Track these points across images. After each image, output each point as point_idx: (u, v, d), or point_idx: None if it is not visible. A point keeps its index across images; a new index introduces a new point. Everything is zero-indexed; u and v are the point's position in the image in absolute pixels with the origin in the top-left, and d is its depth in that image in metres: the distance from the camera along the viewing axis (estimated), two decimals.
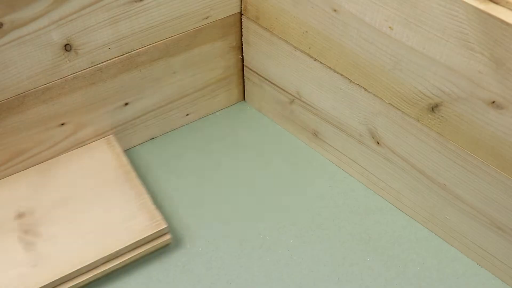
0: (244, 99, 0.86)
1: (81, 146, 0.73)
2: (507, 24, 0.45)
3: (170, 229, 0.68)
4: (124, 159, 0.72)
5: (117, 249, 0.63)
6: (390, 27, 0.55)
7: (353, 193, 0.73)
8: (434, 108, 0.57)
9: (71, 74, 0.64)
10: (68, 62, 0.63)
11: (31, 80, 0.62)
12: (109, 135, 0.74)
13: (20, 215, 0.66)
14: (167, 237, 0.66)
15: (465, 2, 0.47)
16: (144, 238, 0.64)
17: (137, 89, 0.72)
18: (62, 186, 0.69)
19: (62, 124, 0.69)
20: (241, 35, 0.76)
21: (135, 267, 0.66)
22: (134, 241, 0.64)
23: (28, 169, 0.70)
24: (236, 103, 0.85)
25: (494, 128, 0.53)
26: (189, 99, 0.78)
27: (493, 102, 0.51)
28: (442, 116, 0.57)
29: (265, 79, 0.78)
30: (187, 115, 0.80)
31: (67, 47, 0.62)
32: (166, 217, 0.69)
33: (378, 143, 0.67)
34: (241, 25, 0.74)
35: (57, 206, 0.67)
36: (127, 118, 0.74)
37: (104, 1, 0.60)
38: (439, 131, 0.58)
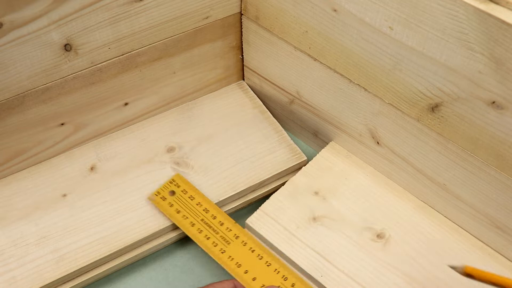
0: None
1: (215, 91, 0.79)
2: (507, 24, 0.45)
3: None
4: (258, 101, 0.78)
5: (264, 178, 0.69)
6: (390, 27, 0.55)
7: None
8: (434, 108, 0.57)
9: (71, 74, 0.64)
10: (68, 62, 0.63)
11: (31, 80, 0.62)
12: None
13: (170, 149, 0.72)
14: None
15: (465, 2, 0.47)
16: (287, 169, 0.70)
17: (137, 89, 0.72)
18: (204, 124, 0.75)
19: (62, 124, 0.69)
20: (241, 35, 0.76)
21: (135, 266, 0.66)
22: (279, 171, 0.70)
23: (168, 111, 0.76)
24: None
25: (494, 128, 0.53)
26: (189, 99, 0.78)
27: (493, 102, 0.51)
28: (442, 116, 0.57)
29: (265, 79, 0.78)
30: None
31: (67, 47, 0.62)
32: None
33: (378, 143, 0.67)
34: (241, 25, 0.74)
35: (203, 142, 0.73)
36: (127, 118, 0.74)
37: (104, 1, 0.60)
38: (439, 131, 0.58)
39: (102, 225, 0.64)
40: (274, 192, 0.69)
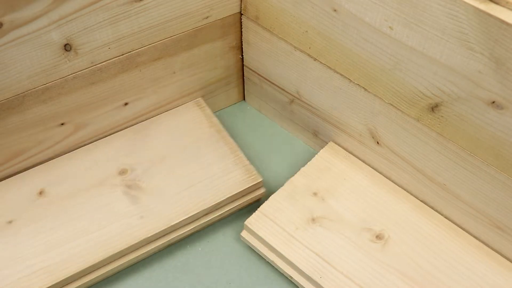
0: (244, 99, 0.86)
1: (171, 109, 0.77)
2: (507, 24, 0.45)
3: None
4: (214, 119, 0.75)
5: (217, 201, 0.67)
6: (390, 27, 0.55)
7: None
8: (434, 108, 0.57)
9: (71, 74, 0.64)
10: (68, 62, 0.63)
11: (31, 80, 0.62)
12: (109, 135, 0.74)
13: (122, 172, 0.69)
14: (262, 190, 0.70)
15: (465, 2, 0.47)
16: (242, 191, 0.68)
17: (137, 89, 0.72)
18: (159, 145, 0.73)
19: (62, 124, 0.69)
20: (241, 35, 0.76)
21: (135, 267, 0.66)
22: (232, 193, 0.67)
23: (122, 131, 0.74)
24: (236, 103, 0.85)
25: (494, 128, 0.53)
26: (189, 99, 0.78)
27: (493, 102, 0.51)
28: (442, 116, 0.57)
29: (265, 79, 0.78)
30: None
31: (67, 47, 0.62)
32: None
33: (378, 143, 0.67)
34: (241, 25, 0.74)
35: (156, 163, 0.70)
36: (127, 117, 0.74)
37: (104, 1, 0.60)
38: (439, 131, 0.58)
39: (48, 253, 0.61)
40: (229, 215, 0.69)
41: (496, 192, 0.58)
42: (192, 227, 0.66)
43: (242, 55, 0.79)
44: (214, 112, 0.83)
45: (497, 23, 0.46)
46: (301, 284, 0.62)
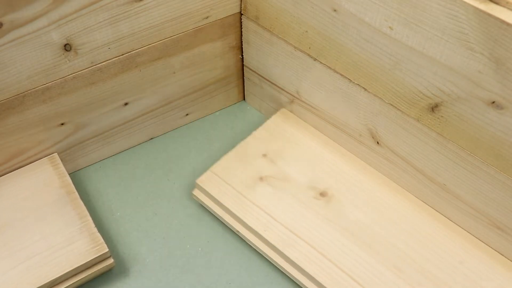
0: (244, 99, 0.86)
1: (23, 167, 0.70)
2: (507, 24, 0.45)
3: (112, 253, 0.66)
4: (67, 179, 0.69)
5: (55, 277, 0.60)
6: (390, 27, 0.55)
7: None
8: (434, 108, 0.57)
9: (71, 74, 0.64)
10: (67, 62, 0.63)
11: (31, 80, 0.62)
12: (110, 136, 0.74)
13: None
14: (110, 261, 0.64)
15: (465, 2, 0.47)
16: (84, 263, 0.62)
17: (137, 89, 0.72)
18: (0, 210, 0.66)
19: (62, 124, 0.69)
20: (241, 35, 0.76)
21: (135, 267, 0.66)
22: (74, 267, 0.61)
23: None
24: (236, 103, 0.85)
25: (494, 128, 0.53)
26: (189, 99, 0.78)
27: (493, 102, 0.51)
28: (442, 116, 0.57)
29: (265, 79, 0.78)
30: (187, 115, 0.80)
31: (67, 47, 0.62)
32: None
33: (378, 143, 0.67)
34: (241, 25, 0.74)
35: None
36: (126, 118, 0.74)
37: (104, 1, 0.60)
38: (439, 131, 0.58)
39: None
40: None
41: (496, 192, 0.58)
42: None
43: (242, 55, 0.79)
44: (214, 113, 0.83)
45: (497, 23, 0.46)
46: (247, 237, 0.66)
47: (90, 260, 0.62)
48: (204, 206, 0.69)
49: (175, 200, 0.72)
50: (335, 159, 0.71)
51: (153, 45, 0.68)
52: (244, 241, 0.68)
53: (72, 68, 0.64)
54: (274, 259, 0.64)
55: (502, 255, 0.63)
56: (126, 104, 0.72)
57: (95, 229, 0.64)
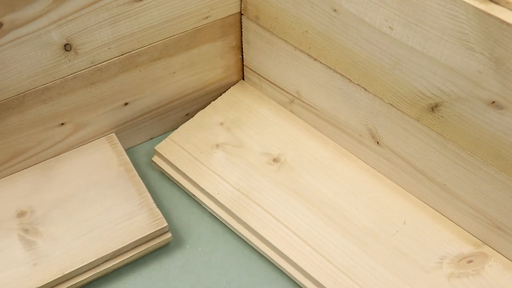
0: None
1: (83, 145, 0.73)
2: (507, 24, 0.45)
3: (170, 228, 0.68)
4: (125, 157, 0.71)
5: (117, 248, 0.63)
6: (390, 27, 0.55)
7: None
8: (434, 108, 0.57)
9: (71, 74, 0.64)
10: (68, 62, 0.63)
11: (31, 80, 0.62)
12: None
13: (21, 214, 0.66)
14: (168, 235, 0.66)
15: (465, 2, 0.47)
16: (145, 236, 0.64)
17: (137, 89, 0.72)
18: (63, 185, 0.69)
19: (62, 124, 0.69)
20: (241, 35, 0.76)
21: (135, 266, 0.66)
22: (134, 239, 0.64)
23: (29, 168, 0.70)
24: None
25: (494, 128, 0.53)
26: (189, 99, 0.78)
27: (493, 102, 0.51)
28: (442, 116, 0.57)
29: (265, 79, 0.78)
30: (187, 115, 0.80)
31: (67, 47, 0.62)
32: (166, 216, 0.68)
33: (378, 143, 0.67)
34: (241, 25, 0.74)
35: (58, 205, 0.67)
36: (127, 118, 0.74)
37: (104, 1, 0.60)
38: (439, 131, 0.58)
39: None
40: (132, 262, 0.66)
41: (496, 192, 0.58)
42: (90, 275, 0.63)
43: (242, 55, 0.79)
44: None
45: (497, 23, 0.46)
46: (202, 201, 0.69)
47: (150, 234, 0.64)
48: (163, 172, 0.73)
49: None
50: (288, 126, 0.75)
51: (153, 45, 0.68)
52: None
53: (72, 68, 0.64)
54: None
55: (503, 255, 0.63)
56: (126, 104, 0.72)
57: (154, 205, 0.66)
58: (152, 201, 0.67)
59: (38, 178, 0.69)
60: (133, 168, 0.70)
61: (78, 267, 0.61)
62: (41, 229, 0.64)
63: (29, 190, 0.68)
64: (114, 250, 0.63)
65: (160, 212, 0.66)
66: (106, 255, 0.62)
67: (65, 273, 0.61)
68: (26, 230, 0.64)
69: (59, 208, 0.66)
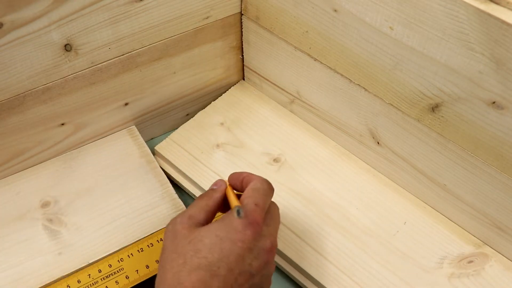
0: None
1: (103, 137, 0.74)
2: (507, 24, 0.45)
3: None
4: (146, 149, 0.72)
5: (142, 237, 0.64)
6: (390, 27, 0.55)
7: None
8: (434, 108, 0.57)
9: (71, 74, 0.64)
10: (68, 62, 0.63)
11: (31, 80, 0.62)
12: (109, 135, 0.74)
13: (45, 204, 0.67)
14: None
15: (466, 2, 0.47)
16: None
17: (137, 89, 0.72)
18: (85, 176, 0.70)
19: (62, 124, 0.69)
20: (241, 35, 0.76)
21: None
22: (157, 230, 0.64)
23: (52, 159, 0.71)
24: None
25: (495, 128, 0.53)
26: (189, 99, 0.78)
27: (494, 102, 0.51)
28: (442, 116, 0.57)
29: (265, 79, 0.78)
30: (187, 115, 0.80)
31: (67, 47, 0.61)
32: None
33: (378, 143, 0.67)
34: (241, 25, 0.74)
35: (81, 195, 0.68)
36: (127, 118, 0.74)
37: (104, 1, 0.60)
38: (439, 131, 0.58)
39: None
40: None
41: (496, 193, 0.58)
42: None
43: (242, 55, 0.79)
44: None
45: (498, 24, 0.46)
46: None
47: None
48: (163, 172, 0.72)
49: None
50: (288, 127, 0.76)
51: (154, 45, 0.68)
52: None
53: (72, 68, 0.64)
54: None
55: (503, 255, 0.63)
56: (126, 104, 0.72)
57: (176, 195, 0.67)
58: (174, 191, 0.68)
59: (60, 169, 0.70)
60: (154, 159, 0.71)
61: (103, 256, 0.62)
62: (65, 219, 0.65)
63: (52, 181, 0.69)
64: (138, 239, 0.63)
65: (182, 203, 0.66)
66: (130, 244, 0.63)
67: (90, 262, 0.61)
68: (50, 220, 0.65)
69: (82, 199, 0.67)
